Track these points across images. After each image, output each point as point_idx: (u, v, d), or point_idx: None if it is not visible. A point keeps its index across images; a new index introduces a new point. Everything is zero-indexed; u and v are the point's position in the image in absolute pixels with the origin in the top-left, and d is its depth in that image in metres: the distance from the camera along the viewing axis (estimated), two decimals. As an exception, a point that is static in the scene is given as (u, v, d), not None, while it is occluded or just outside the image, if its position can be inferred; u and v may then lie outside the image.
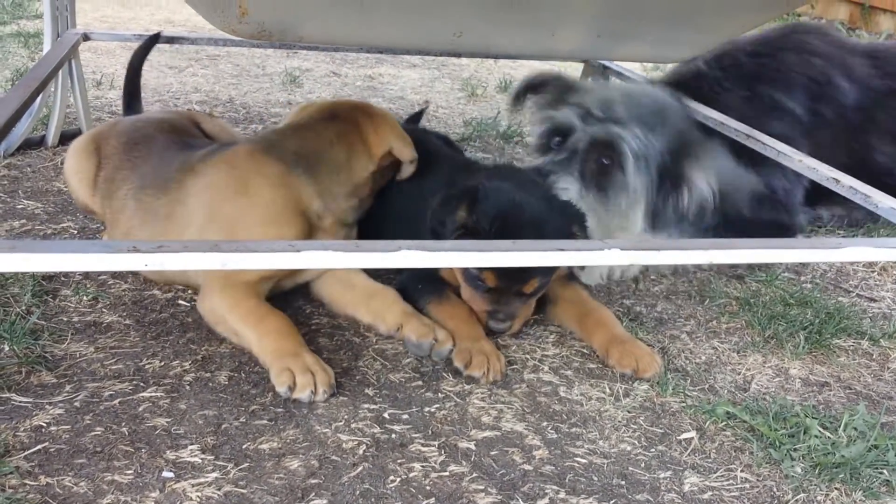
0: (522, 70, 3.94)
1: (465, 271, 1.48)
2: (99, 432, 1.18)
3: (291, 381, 1.27)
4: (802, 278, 1.92)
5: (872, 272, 1.98)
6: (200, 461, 1.14)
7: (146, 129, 1.72)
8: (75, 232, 1.80)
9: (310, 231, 1.49)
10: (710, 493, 1.20)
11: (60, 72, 2.14)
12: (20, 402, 1.23)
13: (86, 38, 2.11)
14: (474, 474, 1.18)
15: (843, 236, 2.10)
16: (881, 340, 1.65)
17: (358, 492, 1.12)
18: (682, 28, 1.27)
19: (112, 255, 0.91)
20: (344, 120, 1.56)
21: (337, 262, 0.99)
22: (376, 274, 1.58)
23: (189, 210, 1.49)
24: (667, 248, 1.11)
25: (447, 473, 1.18)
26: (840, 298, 1.83)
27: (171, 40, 2.23)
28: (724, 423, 1.34)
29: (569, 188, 1.76)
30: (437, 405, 1.33)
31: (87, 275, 1.61)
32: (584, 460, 1.24)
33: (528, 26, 1.23)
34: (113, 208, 1.64)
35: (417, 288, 1.57)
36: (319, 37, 1.22)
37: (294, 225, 1.44)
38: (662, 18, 1.25)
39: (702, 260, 1.12)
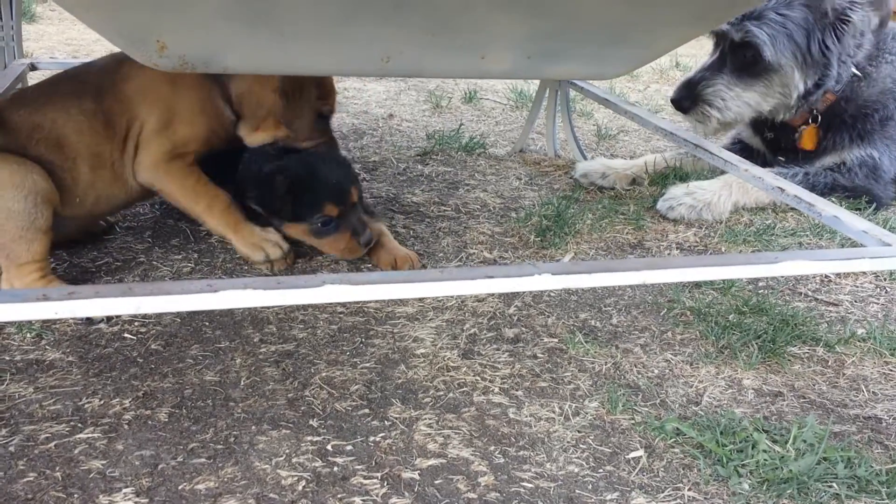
0: (490, 80, 3.93)
1: (311, 229, 1.79)
2: (31, 478, 1.16)
3: None
4: (761, 284, 1.91)
5: (834, 274, 1.98)
6: (134, 505, 1.12)
7: None
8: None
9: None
10: (656, 514, 1.19)
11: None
12: (-48, 449, 1.21)
13: (33, 67, 2.08)
14: (416, 505, 1.17)
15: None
16: (836, 346, 1.64)
17: (295, 530, 1.10)
18: (615, 46, 1.26)
19: (20, 305, 0.89)
20: None
21: (258, 300, 0.98)
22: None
23: None
24: (599, 271, 1.10)
25: (388, 506, 1.16)
26: (797, 304, 1.83)
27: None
28: (673, 439, 1.33)
29: (717, 84, 2.32)
30: (383, 434, 1.31)
31: (31, 311, 1.59)
32: (530, 485, 1.23)
33: (457, 49, 1.22)
34: None
35: None
36: (244, 66, 1.21)
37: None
38: (594, 38, 1.24)
39: (635, 281, 1.11)
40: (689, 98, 2.36)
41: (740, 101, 2.33)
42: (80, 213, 1.71)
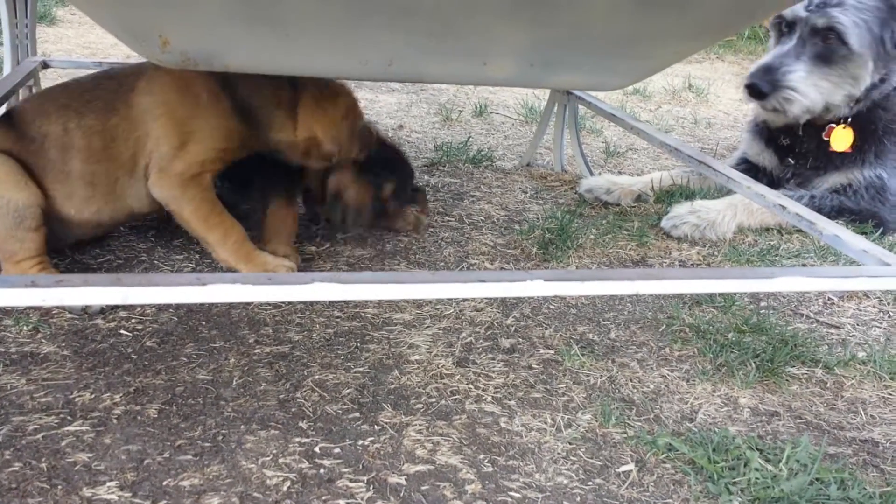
0: (501, 94, 3.95)
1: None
2: (16, 468, 1.16)
3: None
4: (763, 304, 1.90)
5: (837, 296, 1.96)
6: (117, 498, 1.12)
7: None
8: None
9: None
10: (644, 528, 1.17)
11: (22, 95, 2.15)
12: (-59, 437, 1.21)
13: (45, 65, 2.10)
14: (401, 510, 1.16)
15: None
16: (836, 368, 1.62)
17: (277, 529, 1.10)
18: (619, 57, 1.26)
19: (9, 291, 0.89)
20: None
21: (246, 295, 0.98)
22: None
23: None
24: (592, 279, 1.09)
25: (372, 510, 1.15)
26: (798, 325, 1.81)
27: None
28: (664, 455, 1.32)
29: (797, 70, 2.29)
30: (372, 438, 1.30)
31: (30, 304, 1.59)
32: (517, 494, 1.21)
33: (460, 55, 1.22)
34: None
35: None
36: (247, 65, 1.21)
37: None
38: (597, 48, 1.24)
39: (628, 290, 1.10)
40: (769, 84, 2.30)
41: (817, 91, 2.31)
42: (81, 222, 1.67)
